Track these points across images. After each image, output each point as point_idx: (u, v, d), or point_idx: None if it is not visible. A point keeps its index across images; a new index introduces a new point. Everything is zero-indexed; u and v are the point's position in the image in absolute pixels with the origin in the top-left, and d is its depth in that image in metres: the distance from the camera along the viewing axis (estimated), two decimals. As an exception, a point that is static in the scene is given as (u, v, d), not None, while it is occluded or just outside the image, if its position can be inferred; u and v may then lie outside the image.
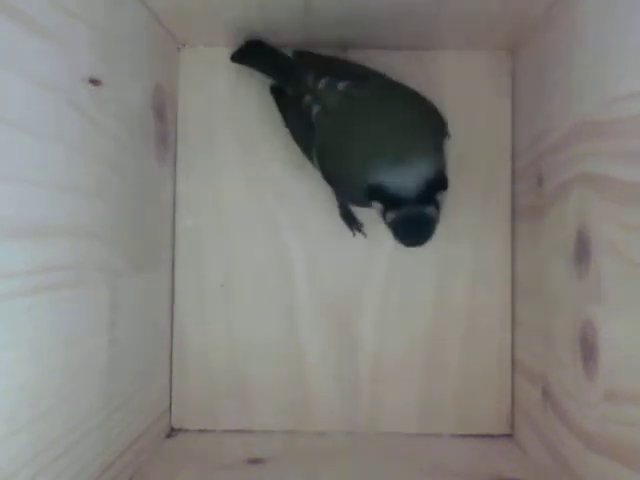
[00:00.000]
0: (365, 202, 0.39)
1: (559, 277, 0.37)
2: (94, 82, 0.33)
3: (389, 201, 0.37)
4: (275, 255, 0.49)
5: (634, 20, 0.29)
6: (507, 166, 0.48)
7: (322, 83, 0.42)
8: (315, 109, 0.42)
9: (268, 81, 0.47)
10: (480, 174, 0.48)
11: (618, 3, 0.30)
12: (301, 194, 0.48)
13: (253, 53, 0.47)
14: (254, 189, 0.49)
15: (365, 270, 0.49)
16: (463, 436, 0.47)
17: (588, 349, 0.33)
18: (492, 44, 0.47)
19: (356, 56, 0.48)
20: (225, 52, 0.48)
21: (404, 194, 0.37)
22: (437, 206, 0.37)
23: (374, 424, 0.48)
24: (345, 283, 0.48)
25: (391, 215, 0.37)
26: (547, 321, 0.40)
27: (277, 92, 0.47)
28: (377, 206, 0.38)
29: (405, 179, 0.37)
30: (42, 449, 0.28)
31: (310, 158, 0.44)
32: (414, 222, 0.37)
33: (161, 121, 0.45)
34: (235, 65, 0.48)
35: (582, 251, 0.34)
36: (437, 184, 0.37)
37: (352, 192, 0.41)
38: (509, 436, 0.47)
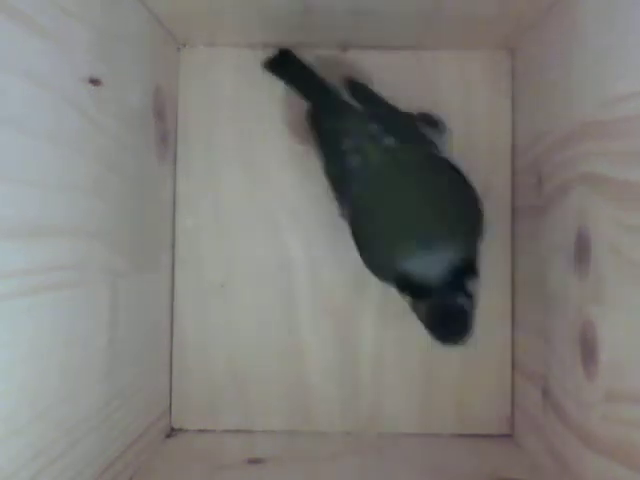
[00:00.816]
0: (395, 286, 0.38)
1: (559, 277, 0.37)
2: (94, 82, 0.33)
3: (417, 292, 0.36)
4: (275, 255, 0.48)
5: (634, 20, 0.29)
6: (507, 166, 0.48)
7: (371, 130, 0.39)
8: (357, 159, 0.40)
9: (269, 81, 0.47)
10: (480, 174, 0.48)
11: (618, 3, 0.30)
12: (301, 194, 0.48)
13: (286, 64, 0.45)
14: (254, 189, 0.49)
15: (365, 270, 0.48)
16: (463, 436, 0.47)
17: (588, 349, 0.33)
18: (492, 44, 0.47)
19: (356, 56, 0.48)
20: (225, 52, 0.48)
21: (431, 282, 0.35)
22: (469, 295, 0.35)
23: (374, 424, 0.48)
24: (345, 283, 0.48)
25: (421, 307, 0.36)
26: (547, 321, 0.40)
27: (313, 116, 0.44)
28: (406, 297, 0.37)
29: (431, 266, 0.35)
30: (42, 449, 0.28)
31: (339, 201, 0.42)
32: (446, 315, 0.35)
33: (161, 121, 0.45)
34: (235, 65, 0.48)
35: (582, 251, 0.34)
36: (466, 271, 0.36)
37: (380, 266, 0.40)
38: (509, 436, 0.47)
